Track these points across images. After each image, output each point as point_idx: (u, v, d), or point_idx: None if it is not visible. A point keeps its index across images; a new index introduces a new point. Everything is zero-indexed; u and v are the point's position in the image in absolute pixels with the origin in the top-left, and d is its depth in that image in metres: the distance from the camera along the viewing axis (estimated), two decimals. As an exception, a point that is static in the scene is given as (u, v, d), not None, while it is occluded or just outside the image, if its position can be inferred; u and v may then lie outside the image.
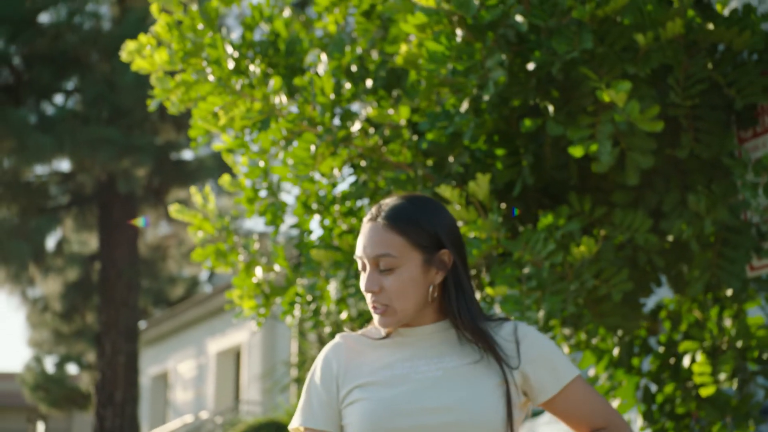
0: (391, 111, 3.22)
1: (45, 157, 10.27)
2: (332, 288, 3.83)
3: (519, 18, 2.81)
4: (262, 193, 3.68)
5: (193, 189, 4.23)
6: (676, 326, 3.58)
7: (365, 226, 1.86)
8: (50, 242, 13.17)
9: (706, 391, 3.38)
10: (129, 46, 3.13)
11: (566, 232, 3.02)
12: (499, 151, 3.22)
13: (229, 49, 3.15)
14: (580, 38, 2.76)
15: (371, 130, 3.31)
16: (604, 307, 3.14)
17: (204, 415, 15.34)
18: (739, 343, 3.36)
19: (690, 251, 3.15)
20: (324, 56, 3.52)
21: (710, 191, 3.00)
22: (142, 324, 16.75)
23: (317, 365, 1.91)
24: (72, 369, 20.34)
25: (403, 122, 3.23)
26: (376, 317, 1.85)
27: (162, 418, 20.67)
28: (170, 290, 19.32)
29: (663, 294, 4.09)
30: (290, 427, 1.89)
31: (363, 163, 3.31)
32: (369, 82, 3.33)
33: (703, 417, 3.43)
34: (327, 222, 3.66)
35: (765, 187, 2.91)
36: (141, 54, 3.08)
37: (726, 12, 3.20)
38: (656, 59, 2.78)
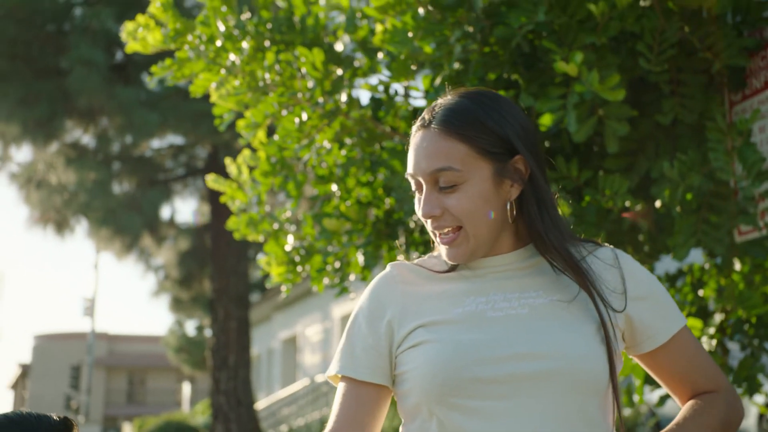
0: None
1: (151, 133, 10.78)
2: (360, 256, 3.97)
3: (476, -8, 2.87)
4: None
5: (228, 159, 4.43)
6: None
7: (416, 136, 1.49)
8: (165, 212, 13.79)
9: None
10: (128, 26, 3.30)
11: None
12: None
13: (221, 27, 3.29)
14: (535, 12, 2.80)
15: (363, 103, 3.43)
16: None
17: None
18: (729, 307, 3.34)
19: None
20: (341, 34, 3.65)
21: (687, 157, 2.98)
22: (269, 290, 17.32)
23: (363, 302, 1.54)
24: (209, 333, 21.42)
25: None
26: (443, 249, 1.48)
27: (292, 378, 21.53)
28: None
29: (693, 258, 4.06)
30: (326, 374, 1.53)
31: (348, 140, 3.42)
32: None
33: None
34: (338, 192, 3.79)
35: (740, 152, 2.86)
36: (135, 36, 3.25)
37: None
38: (614, 28, 2.78)
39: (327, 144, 3.43)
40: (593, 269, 1.48)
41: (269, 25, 3.59)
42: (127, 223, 11.32)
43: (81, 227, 12.24)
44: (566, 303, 1.44)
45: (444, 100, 1.50)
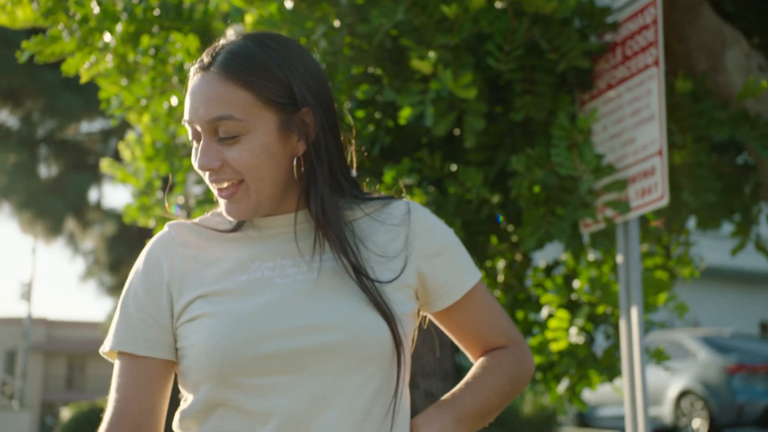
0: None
1: (75, 117, 10.74)
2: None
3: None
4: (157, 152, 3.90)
5: (121, 144, 4.47)
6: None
7: (194, 79, 1.33)
8: (93, 197, 13.73)
9: (557, 346, 3.55)
10: (0, 0, 3.31)
11: (406, 184, 3.22)
12: (359, 114, 3.41)
13: (96, 8, 3.34)
14: (395, 11, 2.93)
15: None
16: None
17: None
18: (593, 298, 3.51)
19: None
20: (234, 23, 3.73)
21: (533, 152, 3.14)
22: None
23: (138, 267, 1.37)
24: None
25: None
26: (223, 203, 1.34)
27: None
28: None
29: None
30: (101, 350, 1.37)
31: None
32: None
33: (563, 365, 3.60)
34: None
35: (579, 149, 3.03)
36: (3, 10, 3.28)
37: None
38: (467, 29, 2.92)
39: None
40: (362, 232, 1.38)
41: (157, 12, 3.67)
42: (50, 206, 11.24)
43: (3, 210, 12.15)
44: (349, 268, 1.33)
45: (226, 41, 1.34)
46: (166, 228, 1.40)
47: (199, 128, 1.31)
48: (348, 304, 1.30)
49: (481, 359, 1.47)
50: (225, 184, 1.32)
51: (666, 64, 3.53)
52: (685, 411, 10.72)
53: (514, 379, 1.46)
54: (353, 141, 1.46)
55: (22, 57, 3.36)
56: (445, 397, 1.38)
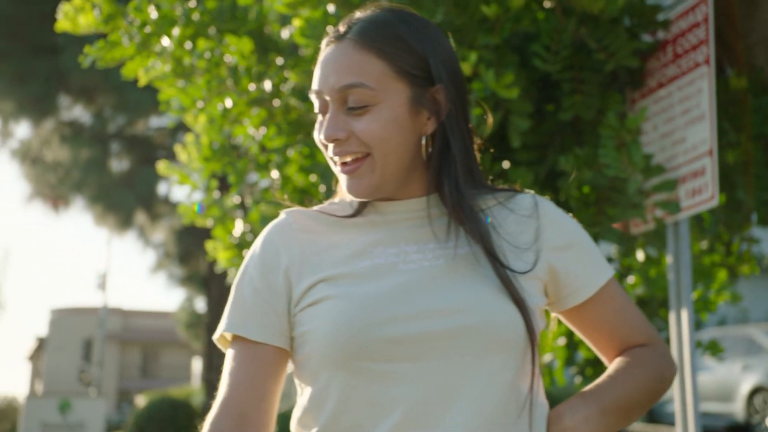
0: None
1: (145, 113, 10.97)
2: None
3: (380, -8, 3.01)
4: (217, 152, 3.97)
5: (178, 146, 4.57)
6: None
7: (326, 50, 1.29)
8: (162, 190, 13.99)
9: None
10: (65, 7, 3.42)
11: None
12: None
13: (154, 14, 3.42)
14: (435, 11, 2.94)
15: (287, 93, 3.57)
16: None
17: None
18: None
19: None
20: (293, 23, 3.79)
21: (582, 152, 3.12)
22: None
23: (254, 251, 1.33)
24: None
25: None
26: (344, 180, 1.29)
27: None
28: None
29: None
30: (214, 336, 1.33)
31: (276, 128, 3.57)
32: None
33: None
34: (278, 179, 3.93)
35: (628, 149, 3.00)
36: (68, 16, 3.38)
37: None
38: (507, 29, 2.92)
39: (252, 131, 3.59)
40: (497, 220, 1.32)
41: (213, 14, 3.73)
42: (120, 199, 11.52)
43: (77, 204, 12.47)
44: (483, 255, 1.27)
45: (363, 13, 1.31)
46: (283, 214, 1.36)
47: (327, 97, 1.26)
48: (479, 289, 1.24)
49: (620, 357, 1.38)
50: (349, 158, 1.27)
51: (724, 60, 3.48)
52: (758, 408, 10.52)
53: (659, 378, 1.37)
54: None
55: (85, 62, 3.47)
56: (588, 387, 1.32)
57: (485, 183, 1.36)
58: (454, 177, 1.27)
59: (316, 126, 1.29)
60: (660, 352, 1.40)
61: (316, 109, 1.28)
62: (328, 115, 1.27)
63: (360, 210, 1.34)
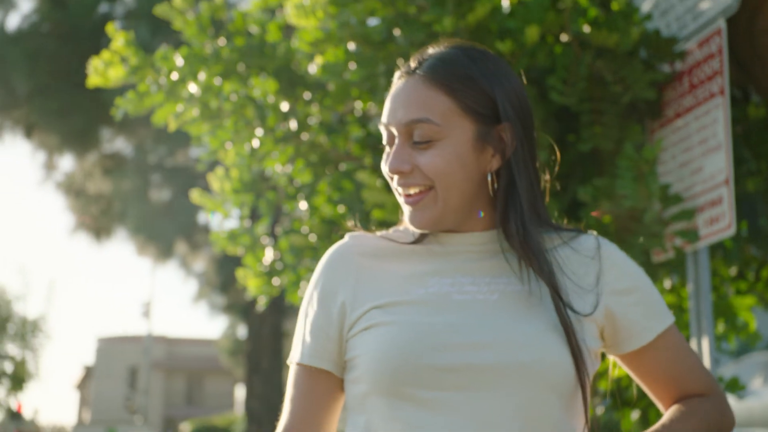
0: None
1: (184, 144, 11.17)
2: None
3: (397, 32, 3.10)
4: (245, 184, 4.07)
5: (210, 176, 4.68)
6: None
7: (397, 84, 1.34)
8: (202, 219, 14.17)
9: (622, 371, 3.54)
10: (94, 62, 3.55)
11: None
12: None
13: (179, 61, 3.54)
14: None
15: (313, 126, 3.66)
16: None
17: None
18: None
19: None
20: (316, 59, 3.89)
21: (600, 182, 3.16)
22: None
23: (316, 277, 1.38)
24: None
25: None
26: (407, 211, 1.33)
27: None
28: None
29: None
30: (288, 362, 1.40)
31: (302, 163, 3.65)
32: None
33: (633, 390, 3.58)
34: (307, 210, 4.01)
35: (647, 178, 3.03)
36: (98, 71, 3.51)
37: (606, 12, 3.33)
38: (523, 63, 2.98)
39: (279, 168, 3.68)
40: (562, 260, 1.33)
41: (241, 52, 3.84)
42: (161, 229, 11.72)
43: (120, 234, 12.70)
44: (540, 293, 1.29)
45: (434, 49, 1.35)
46: (346, 238, 1.40)
47: (394, 131, 1.31)
48: (532, 327, 1.25)
49: (676, 405, 1.38)
50: (412, 190, 1.31)
51: (750, 87, 3.50)
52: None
53: (715, 429, 1.35)
54: (546, 170, 1.43)
55: (117, 114, 3.59)
56: None
57: (550, 221, 1.38)
58: (520, 214, 1.29)
59: (384, 156, 1.34)
60: (718, 402, 1.39)
61: (384, 141, 1.34)
62: (394, 148, 1.31)
63: (421, 239, 1.37)
